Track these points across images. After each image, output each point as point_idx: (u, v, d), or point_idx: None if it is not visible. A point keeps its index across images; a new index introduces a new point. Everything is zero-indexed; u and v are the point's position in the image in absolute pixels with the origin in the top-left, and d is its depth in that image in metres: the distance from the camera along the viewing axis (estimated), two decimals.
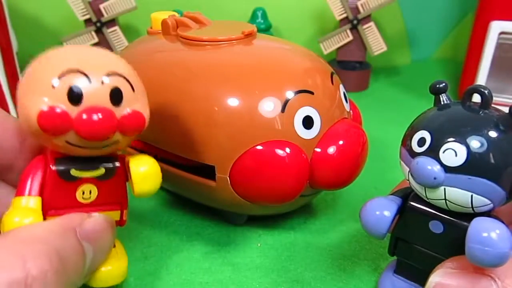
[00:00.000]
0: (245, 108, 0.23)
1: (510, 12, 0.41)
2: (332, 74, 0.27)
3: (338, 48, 0.51)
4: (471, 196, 0.16)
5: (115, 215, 0.21)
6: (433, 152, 0.16)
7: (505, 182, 0.16)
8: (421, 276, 0.19)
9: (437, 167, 0.16)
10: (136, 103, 0.18)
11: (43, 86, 0.17)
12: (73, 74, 0.17)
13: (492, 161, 0.16)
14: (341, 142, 0.24)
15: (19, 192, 0.18)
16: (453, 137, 0.16)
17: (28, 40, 0.56)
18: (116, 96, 0.17)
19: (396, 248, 0.20)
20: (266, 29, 0.52)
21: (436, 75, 0.55)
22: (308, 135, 0.24)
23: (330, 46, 0.50)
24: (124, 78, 0.18)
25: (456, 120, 0.17)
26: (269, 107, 0.23)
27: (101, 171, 0.19)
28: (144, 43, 0.31)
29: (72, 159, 0.19)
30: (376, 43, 0.50)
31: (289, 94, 0.24)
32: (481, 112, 0.17)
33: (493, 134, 0.16)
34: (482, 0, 0.44)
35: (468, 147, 0.16)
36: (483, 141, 0.16)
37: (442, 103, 0.18)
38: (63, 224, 0.17)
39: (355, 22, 0.49)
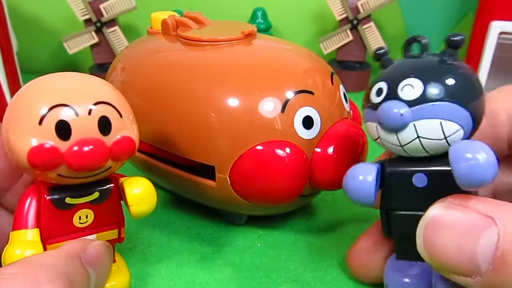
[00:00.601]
0: (245, 108, 0.23)
1: (510, 12, 0.41)
2: (332, 74, 0.27)
3: (338, 48, 0.51)
4: (440, 123, 0.17)
5: (113, 234, 0.21)
6: (392, 94, 0.17)
7: (464, 101, 0.17)
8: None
9: (400, 104, 0.17)
10: (124, 129, 0.18)
11: (30, 122, 0.16)
12: (59, 109, 0.17)
13: (447, 83, 0.17)
14: (341, 142, 0.24)
15: (17, 226, 0.18)
16: (406, 75, 0.17)
17: (28, 40, 0.56)
18: (104, 125, 0.17)
19: (390, 224, 0.20)
20: (266, 29, 0.52)
21: None
22: (308, 135, 0.24)
23: (330, 46, 0.50)
24: (111, 105, 0.18)
25: (405, 65, 0.18)
26: (269, 107, 0.23)
27: (96, 195, 0.19)
28: (144, 43, 0.31)
29: (66, 187, 0.19)
30: (376, 43, 0.50)
31: (289, 94, 0.24)
32: (424, 55, 0.18)
33: (440, 63, 0.17)
34: (482, 0, 0.44)
35: (421, 78, 0.17)
36: (434, 69, 0.17)
37: (385, 63, 0.19)
38: (69, 250, 0.18)
39: (355, 22, 0.49)
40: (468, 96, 0.17)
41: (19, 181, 0.21)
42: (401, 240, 0.20)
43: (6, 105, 0.45)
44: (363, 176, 0.19)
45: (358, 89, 0.51)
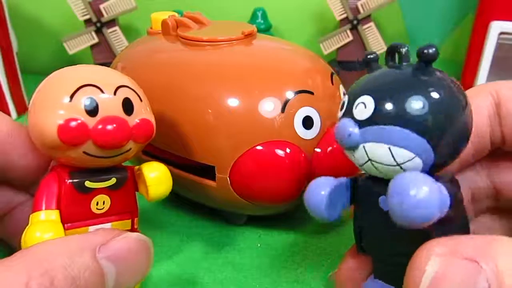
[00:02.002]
0: (245, 108, 0.23)
1: (510, 12, 0.41)
2: (332, 74, 0.27)
3: (338, 48, 0.51)
4: (389, 148, 0.15)
5: (126, 224, 0.21)
6: (348, 112, 0.16)
7: (421, 128, 0.15)
8: (394, 275, 0.17)
9: (350, 123, 0.16)
10: (144, 112, 0.20)
11: (59, 101, 0.18)
12: (88, 88, 0.18)
13: (402, 105, 0.15)
14: None
15: (37, 207, 0.19)
16: (363, 93, 0.16)
17: (28, 40, 0.56)
18: (128, 106, 0.19)
19: (361, 240, 0.19)
20: (266, 29, 0.52)
21: None
22: (308, 135, 0.24)
23: (330, 46, 0.50)
24: (132, 90, 0.19)
25: (370, 79, 0.17)
26: (269, 107, 0.23)
27: (113, 181, 0.20)
28: (144, 44, 0.31)
29: (85, 172, 0.19)
30: (376, 43, 0.50)
31: (289, 94, 0.24)
32: (403, 66, 0.16)
33: (411, 77, 0.15)
34: (482, 0, 0.44)
35: (375, 97, 0.15)
36: (395, 86, 0.15)
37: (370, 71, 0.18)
38: (79, 242, 0.17)
39: (355, 22, 0.49)
40: (427, 122, 0.15)
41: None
42: (375, 259, 0.19)
43: (6, 105, 0.46)
44: (318, 190, 0.18)
45: None
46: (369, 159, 0.16)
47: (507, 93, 0.19)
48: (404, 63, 0.16)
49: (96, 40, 0.50)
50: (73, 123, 0.17)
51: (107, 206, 0.20)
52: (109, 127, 0.18)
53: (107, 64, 0.44)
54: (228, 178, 0.24)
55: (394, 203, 0.14)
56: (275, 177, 0.23)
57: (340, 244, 0.27)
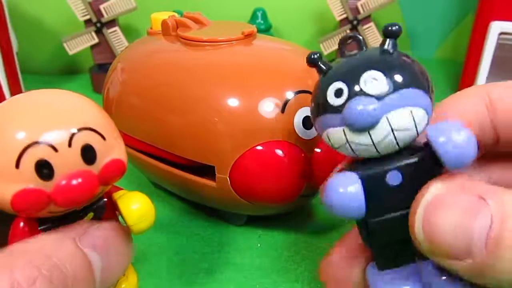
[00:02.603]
0: (245, 109, 0.23)
1: (510, 12, 0.41)
2: None
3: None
4: (410, 111, 0.16)
5: None
6: (356, 92, 0.16)
7: (423, 86, 0.17)
8: (404, 252, 0.18)
9: (369, 99, 0.16)
10: (110, 151, 0.17)
11: (5, 170, 0.15)
12: (34, 148, 0.15)
13: (405, 70, 0.16)
14: None
15: None
16: (364, 69, 0.16)
17: (28, 40, 0.56)
18: (88, 154, 0.16)
19: (370, 233, 0.19)
20: (266, 29, 0.52)
21: (436, 75, 0.55)
22: (308, 135, 0.24)
23: (330, 46, 0.50)
24: (91, 129, 0.16)
25: (353, 61, 0.17)
26: (269, 107, 0.23)
27: (90, 216, 0.18)
28: (144, 44, 0.31)
29: (56, 216, 0.17)
30: (376, 43, 0.50)
31: (289, 95, 0.24)
32: (364, 49, 0.18)
33: (386, 53, 0.17)
34: (482, 0, 0.44)
35: (381, 69, 0.16)
36: (386, 59, 0.17)
37: (324, 68, 0.19)
38: (59, 233, 0.17)
39: (355, 22, 0.49)
40: (424, 81, 0.17)
41: None
42: (383, 248, 0.19)
43: None
44: (347, 187, 0.17)
45: None
46: (392, 130, 0.16)
47: (499, 95, 0.19)
48: (363, 49, 0.18)
49: (96, 40, 0.50)
50: (27, 194, 0.15)
51: None
52: (71, 185, 0.15)
53: (107, 65, 0.44)
54: (228, 178, 0.24)
55: (450, 148, 0.15)
56: (275, 177, 0.23)
57: None
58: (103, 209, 0.18)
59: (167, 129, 0.25)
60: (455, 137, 0.16)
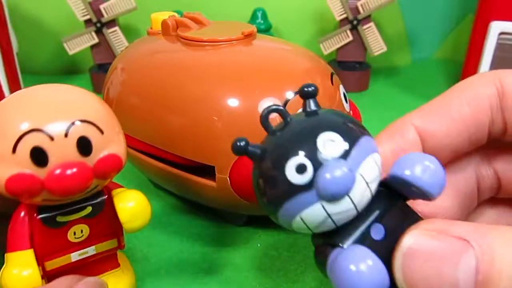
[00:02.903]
0: (245, 108, 0.23)
1: (510, 12, 0.41)
2: (332, 74, 0.27)
3: (338, 49, 0.51)
4: (373, 159, 0.15)
5: (112, 243, 0.20)
6: (321, 160, 0.15)
7: (364, 129, 0.16)
8: None
9: (339, 162, 0.15)
10: (108, 145, 0.17)
11: (3, 152, 0.15)
12: (32, 135, 0.15)
13: (349, 123, 0.16)
14: None
15: (11, 248, 0.18)
16: (315, 135, 0.15)
17: (28, 40, 0.56)
18: (84, 146, 0.16)
19: None
20: (266, 29, 0.52)
21: (436, 75, 0.55)
22: None
23: (330, 46, 0.50)
24: (89, 122, 0.16)
25: (291, 134, 0.16)
26: None
27: (88, 210, 0.18)
28: (144, 44, 0.31)
29: (56, 206, 0.18)
30: (376, 43, 0.50)
31: (289, 95, 0.24)
32: (289, 120, 0.16)
33: (316, 114, 0.16)
34: (482, 0, 0.44)
35: (330, 129, 0.15)
36: (324, 118, 0.16)
37: (256, 153, 0.16)
38: (54, 287, 0.17)
39: (355, 22, 0.49)
40: (362, 127, 0.16)
41: None
42: None
43: None
44: (369, 263, 0.15)
45: (358, 89, 0.51)
46: (367, 183, 0.15)
47: (511, 81, 0.18)
48: (288, 118, 0.16)
49: (96, 40, 0.50)
50: (20, 177, 0.15)
51: (86, 233, 0.19)
52: (65, 174, 0.15)
53: (107, 65, 0.44)
54: (228, 178, 0.24)
55: (426, 177, 0.15)
56: None
57: None
58: (102, 205, 0.19)
59: (167, 129, 0.25)
60: (428, 165, 0.15)
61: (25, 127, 0.15)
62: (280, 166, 0.15)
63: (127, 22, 0.55)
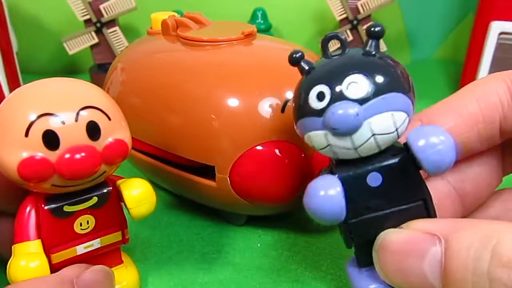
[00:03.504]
0: (245, 108, 0.23)
1: (510, 12, 0.41)
2: None
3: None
4: (392, 115, 0.16)
5: (117, 236, 0.21)
6: (337, 96, 0.16)
7: (405, 89, 0.16)
8: None
9: (351, 104, 0.16)
10: (115, 132, 0.18)
11: (16, 135, 0.16)
12: (44, 118, 0.16)
13: (387, 73, 0.16)
14: None
15: (18, 239, 0.18)
16: (346, 73, 0.16)
17: (28, 40, 0.56)
18: (93, 130, 0.17)
19: (351, 233, 0.19)
20: (266, 29, 0.52)
21: (436, 75, 0.55)
22: None
23: (330, 46, 0.50)
24: (98, 109, 0.17)
25: (335, 63, 0.17)
26: (269, 107, 0.23)
27: (94, 200, 0.19)
28: (144, 44, 0.31)
29: (63, 195, 0.18)
30: None
31: (289, 95, 0.24)
32: (346, 51, 0.18)
33: (368, 55, 0.17)
34: (482, 0, 0.44)
35: (363, 73, 0.16)
36: (368, 62, 0.17)
37: (306, 68, 0.18)
38: (61, 276, 0.18)
39: (355, 22, 0.49)
40: (406, 84, 0.17)
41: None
42: (363, 246, 0.19)
43: None
44: (327, 190, 0.17)
45: None
46: (373, 134, 0.16)
47: None
48: (346, 49, 0.18)
49: (96, 40, 0.50)
50: (33, 160, 0.16)
51: (92, 224, 0.19)
52: (75, 157, 0.16)
53: (107, 65, 0.44)
54: (228, 178, 0.24)
55: (429, 153, 0.16)
56: (275, 177, 0.23)
57: (340, 244, 0.27)
58: (107, 196, 0.19)
59: (167, 129, 0.25)
60: (434, 142, 0.16)
61: (37, 111, 0.16)
62: (309, 87, 0.17)
63: (127, 22, 0.55)
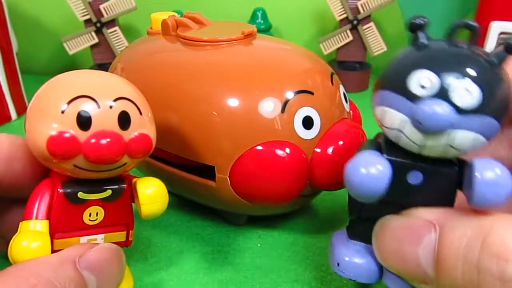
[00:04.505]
0: (245, 109, 0.23)
1: (510, 12, 0.41)
2: (332, 74, 0.27)
3: (338, 49, 0.51)
4: (476, 137, 0.15)
5: (121, 236, 0.21)
6: (444, 94, 0.15)
7: (502, 115, 0.15)
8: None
9: (451, 110, 0.15)
10: (143, 127, 0.19)
11: (52, 111, 0.17)
12: (82, 100, 0.17)
13: (498, 95, 0.15)
14: (341, 142, 0.24)
15: (27, 216, 0.18)
16: (464, 76, 0.15)
17: (28, 40, 0.56)
18: (124, 120, 0.18)
19: (363, 207, 0.18)
20: (266, 29, 0.52)
21: None
22: (308, 135, 0.24)
23: (330, 46, 0.50)
24: (132, 102, 0.18)
25: (460, 58, 0.15)
26: (269, 107, 0.23)
27: (108, 192, 0.19)
28: (144, 44, 0.31)
29: (79, 182, 0.19)
30: (376, 43, 0.50)
31: (289, 95, 0.24)
32: (476, 50, 0.16)
33: (495, 72, 0.15)
34: (482, 0, 0.44)
35: (480, 86, 0.15)
36: (492, 77, 0.15)
37: (421, 40, 0.16)
38: (62, 256, 0.17)
39: (355, 22, 0.49)
40: (505, 109, 0.15)
41: (35, 180, 0.21)
42: (362, 222, 0.19)
43: (6, 105, 0.46)
44: (376, 165, 0.16)
45: (358, 89, 0.51)
46: (448, 145, 0.15)
47: None
48: (474, 47, 0.16)
49: (96, 40, 0.50)
50: (63, 137, 0.17)
51: (100, 217, 0.20)
52: (102, 142, 0.17)
53: (107, 65, 0.44)
54: (228, 178, 0.24)
55: (486, 190, 0.15)
56: (275, 177, 0.23)
57: None
58: (121, 191, 0.20)
59: (167, 129, 0.25)
60: (498, 182, 0.15)
61: (78, 92, 0.17)
62: (417, 66, 0.15)
63: (127, 22, 0.55)
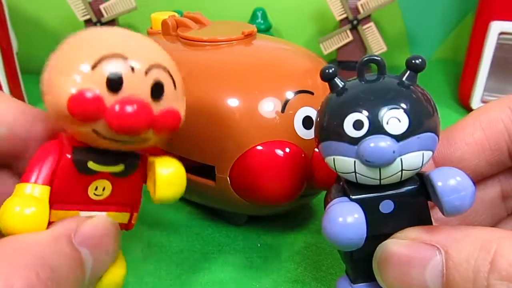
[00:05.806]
0: (245, 108, 0.23)
1: (510, 12, 0.41)
2: None
3: (338, 49, 0.51)
4: (422, 154, 0.16)
5: (124, 217, 0.19)
6: (376, 129, 0.16)
7: (436, 128, 0.17)
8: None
9: (390, 140, 0.16)
10: (175, 101, 0.17)
11: (79, 66, 0.15)
12: (116, 59, 0.15)
13: (426, 113, 0.16)
14: None
15: (25, 178, 0.16)
16: (387, 106, 0.16)
17: (28, 40, 0.56)
18: (157, 90, 0.16)
19: (354, 251, 0.18)
20: (266, 29, 0.52)
21: (436, 75, 0.55)
22: (308, 135, 0.24)
23: (330, 46, 0.50)
24: (169, 74, 0.16)
25: (377, 92, 0.17)
26: (269, 107, 0.23)
27: (120, 167, 0.17)
28: None
29: (91, 150, 0.17)
30: (376, 43, 0.50)
31: (289, 95, 0.24)
32: (388, 78, 0.17)
33: (412, 92, 0.17)
34: (482, 0, 0.44)
35: (405, 110, 0.16)
36: (410, 98, 0.16)
37: (339, 86, 0.17)
38: (55, 231, 0.16)
39: (355, 22, 0.49)
40: (437, 122, 0.17)
41: (34, 145, 0.18)
42: (360, 264, 0.19)
43: None
44: (351, 217, 0.16)
45: None
46: (402, 170, 0.16)
47: None
48: (383, 75, 0.17)
49: None
50: (88, 95, 0.14)
51: (106, 193, 0.18)
52: (128, 109, 0.15)
53: None
54: (228, 178, 0.24)
55: (454, 200, 0.16)
56: (275, 177, 0.23)
57: None
58: (134, 168, 0.18)
59: None
60: (458, 188, 0.16)
61: (113, 49, 0.15)
62: (346, 112, 0.16)
63: (127, 22, 0.55)
